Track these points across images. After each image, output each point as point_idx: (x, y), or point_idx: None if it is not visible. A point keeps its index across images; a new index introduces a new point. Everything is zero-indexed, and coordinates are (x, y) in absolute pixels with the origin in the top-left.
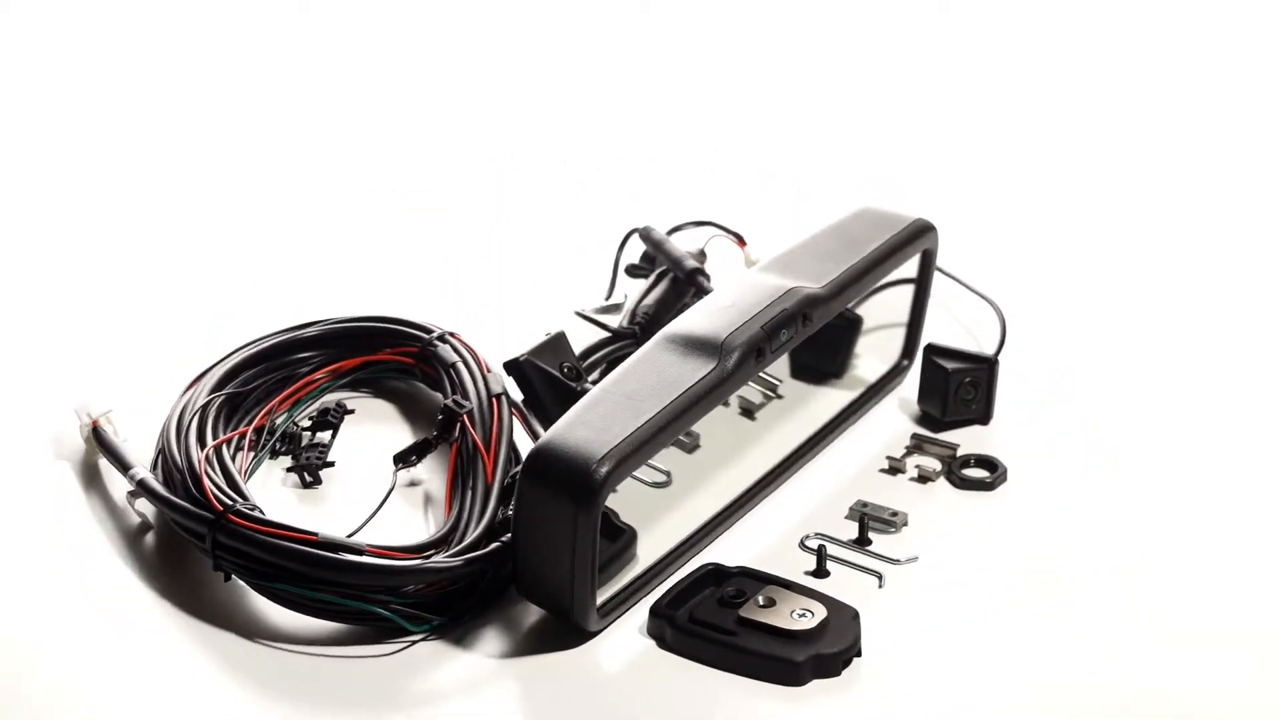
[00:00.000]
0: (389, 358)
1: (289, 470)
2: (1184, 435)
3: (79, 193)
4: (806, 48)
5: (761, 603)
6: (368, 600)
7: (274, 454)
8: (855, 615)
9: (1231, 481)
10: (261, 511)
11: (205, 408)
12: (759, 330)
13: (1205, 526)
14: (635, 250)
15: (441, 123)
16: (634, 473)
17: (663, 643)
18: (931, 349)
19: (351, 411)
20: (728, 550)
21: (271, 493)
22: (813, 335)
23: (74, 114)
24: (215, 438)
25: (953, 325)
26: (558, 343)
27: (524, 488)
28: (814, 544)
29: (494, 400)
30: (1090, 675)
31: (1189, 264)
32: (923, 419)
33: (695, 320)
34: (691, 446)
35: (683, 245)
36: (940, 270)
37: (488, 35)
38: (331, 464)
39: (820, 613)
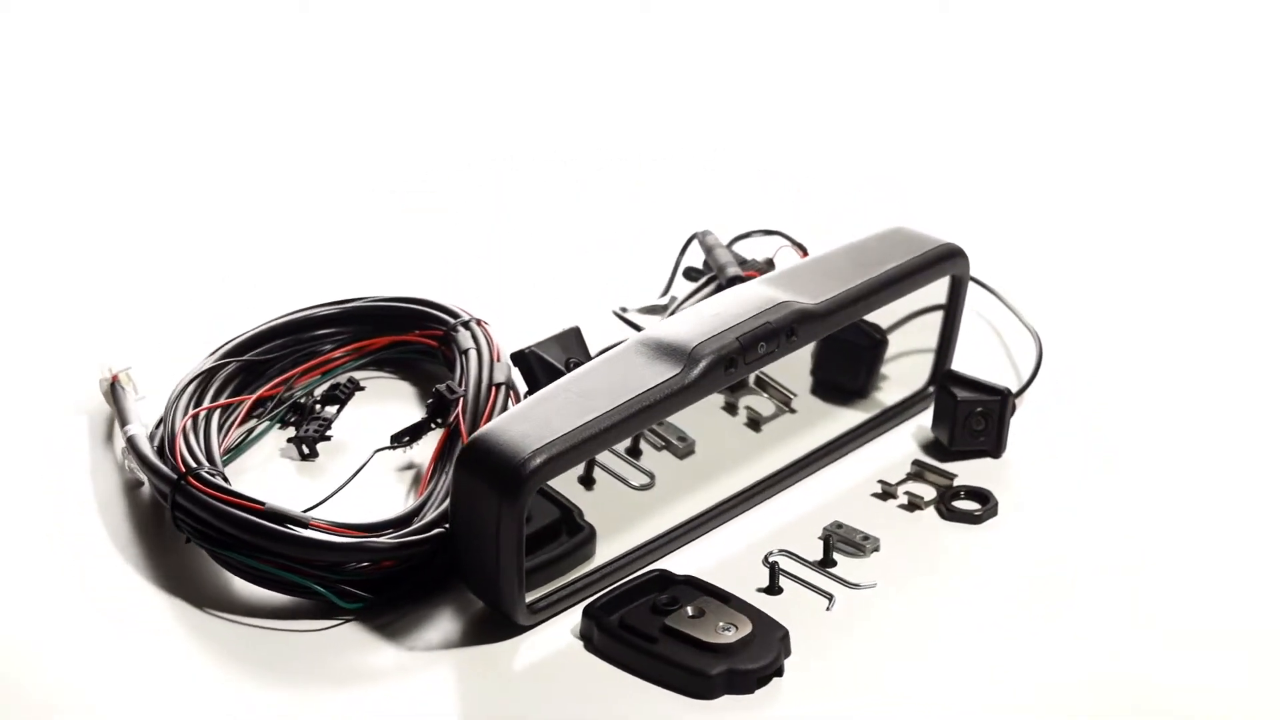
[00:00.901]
0: (416, 339)
1: (289, 441)
2: (1200, 482)
3: (138, 187)
4: (821, 50)
5: (691, 613)
6: (301, 573)
7: (284, 423)
8: (784, 635)
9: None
10: (225, 479)
11: (212, 372)
12: (733, 341)
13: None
14: (700, 253)
15: (507, 120)
16: (617, 472)
17: (590, 644)
18: (950, 376)
19: (362, 388)
20: (691, 559)
21: (269, 462)
22: (835, 353)
23: (118, 109)
24: (213, 402)
25: (999, 350)
26: (569, 337)
27: (457, 476)
28: (775, 560)
29: (493, 389)
30: None
31: (1199, 273)
32: (933, 445)
33: (674, 325)
34: (685, 452)
35: (752, 254)
36: (990, 289)
37: (509, 35)
38: (328, 438)
39: (746, 628)
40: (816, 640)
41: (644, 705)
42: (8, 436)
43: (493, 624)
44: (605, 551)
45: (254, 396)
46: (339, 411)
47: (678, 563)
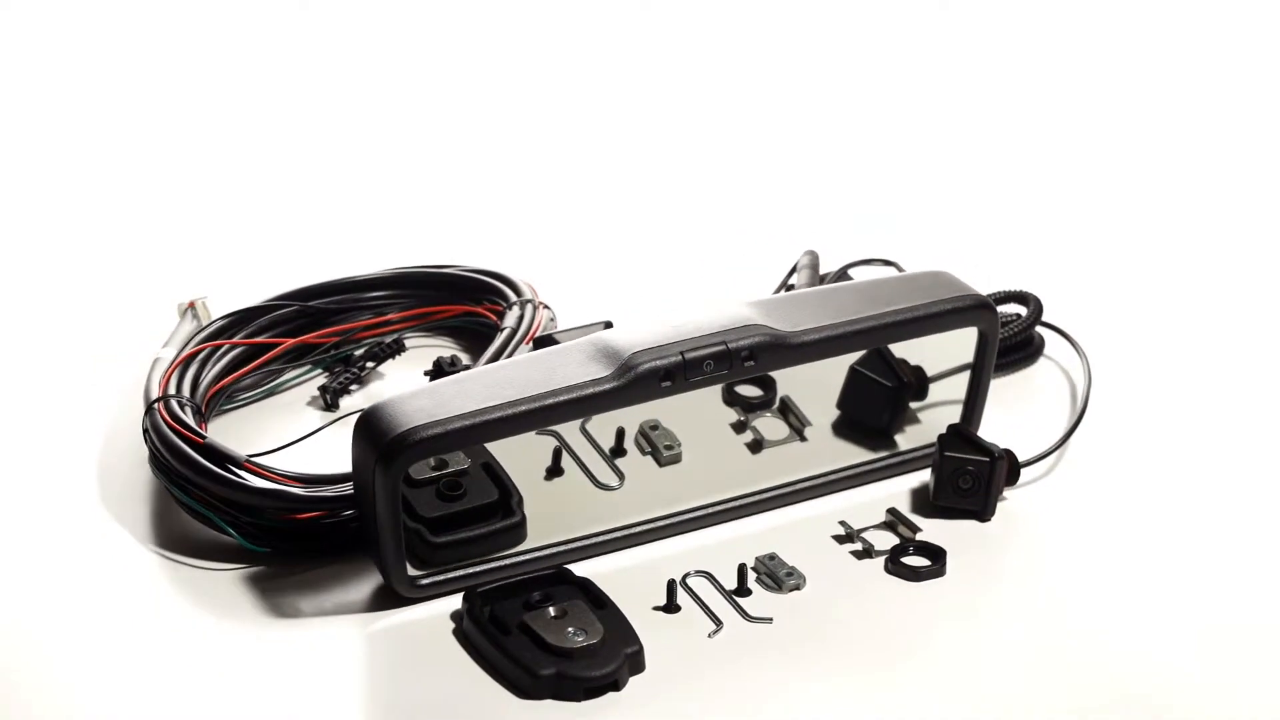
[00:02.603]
0: (483, 311)
1: (319, 389)
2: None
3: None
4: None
5: (553, 613)
6: (216, 510)
7: (329, 371)
8: (636, 651)
9: None
10: (199, 411)
11: (256, 312)
12: (675, 355)
13: None
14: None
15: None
16: (589, 467)
17: (458, 627)
18: (952, 430)
19: (403, 349)
20: (617, 565)
21: (296, 405)
22: (861, 390)
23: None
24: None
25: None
26: (596, 329)
27: (354, 440)
28: (694, 581)
29: None
30: None
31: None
32: (924, 497)
33: (627, 330)
34: (668, 461)
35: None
36: (1071, 340)
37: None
38: (351, 391)
39: (596, 637)
40: (680, 663)
41: (469, 694)
42: (80, 350)
43: (386, 593)
44: (536, 541)
45: (293, 340)
46: (373, 368)
47: (602, 566)
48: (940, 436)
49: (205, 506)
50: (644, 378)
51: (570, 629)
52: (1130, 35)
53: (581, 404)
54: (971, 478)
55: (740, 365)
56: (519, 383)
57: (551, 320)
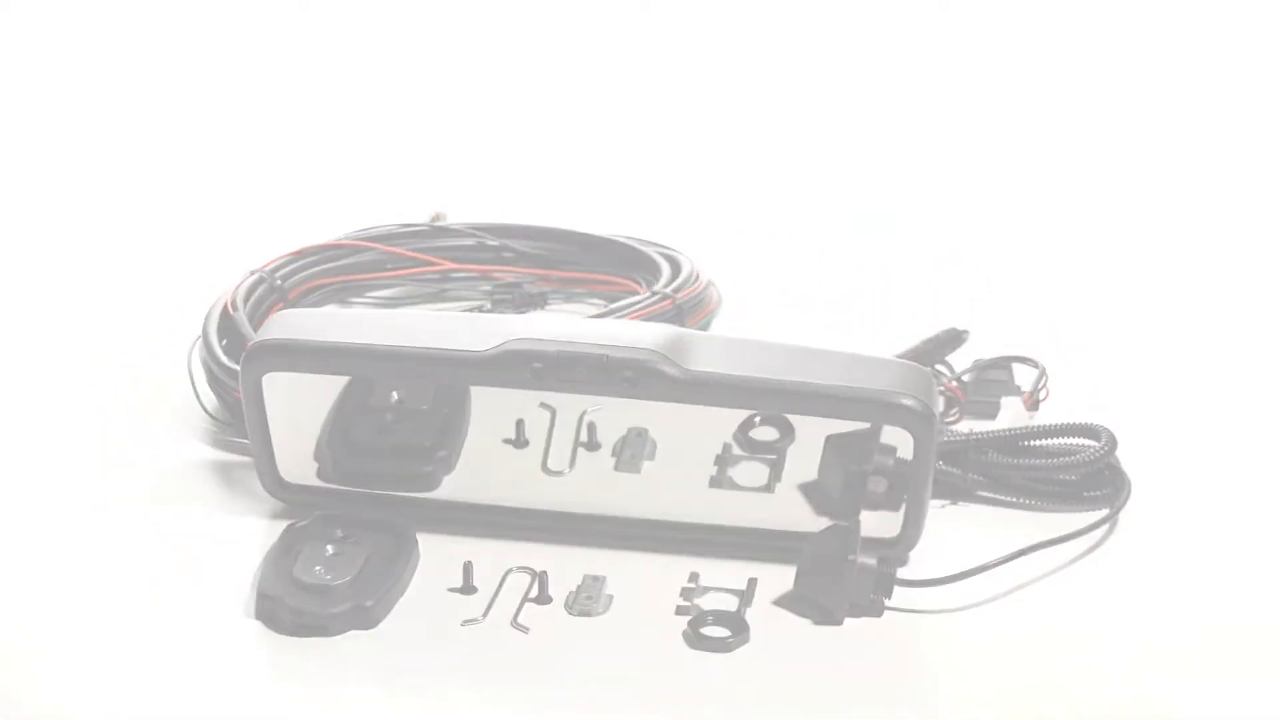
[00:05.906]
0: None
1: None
2: None
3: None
4: None
5: (330, 551)
6: (208, 371)
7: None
8: (367, 607)
9: None
10: (283, 296)
11: (436, 231)
12: (548, 350)
13: None
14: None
15: None
16: (550, 448)
17: None
18: (855, 525)
19: (546, 302)
20: (483, 542)
21: None
22: (833, 463)
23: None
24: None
25: None
26: None
27: None
28: (515, 576)
29: None
30: None
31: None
32: None
33: (539, 318)
34: (626, 466)
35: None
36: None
37: None
38: None
39: (340, 581)
40: (411, 636)
41: (214, 593)
42: None
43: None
44: (443, 495)
45: (450, 265)
46: (515, 310)
47: (476, 540)
48: (832, 525)
49: (204, 366)
50: (510, 362)
51: (321, 567)
52: (1132, 32)
53: (443, 366)
54: (829, 575)
55: (618, 382)
56: (407, 331)
57: (674, 314)
